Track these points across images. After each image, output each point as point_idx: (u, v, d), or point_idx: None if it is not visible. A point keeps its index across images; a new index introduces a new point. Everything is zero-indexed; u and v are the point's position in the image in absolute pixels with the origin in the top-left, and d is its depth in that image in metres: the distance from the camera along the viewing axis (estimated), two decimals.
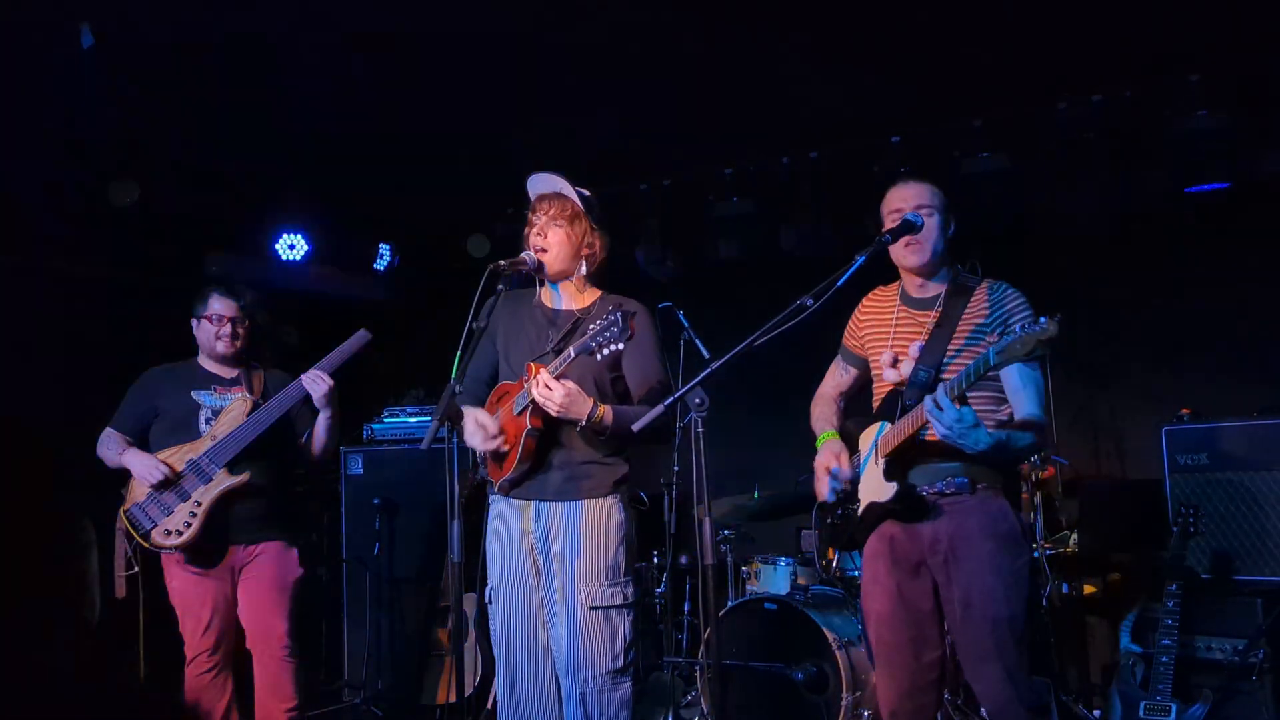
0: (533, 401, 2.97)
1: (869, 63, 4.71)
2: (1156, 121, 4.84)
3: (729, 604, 4.69)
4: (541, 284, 3.25)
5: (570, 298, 3.23)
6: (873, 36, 4.47)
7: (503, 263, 3.08)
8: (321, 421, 4.04)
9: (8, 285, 5.15)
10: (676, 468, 5.10)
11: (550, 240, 3.14)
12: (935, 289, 3.09)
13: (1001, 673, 2.85)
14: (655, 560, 5.37)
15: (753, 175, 5.77)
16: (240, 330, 4.04)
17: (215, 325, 4.01)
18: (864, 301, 3.27)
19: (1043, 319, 2.53)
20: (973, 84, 4.93)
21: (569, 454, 3.10)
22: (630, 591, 3.10)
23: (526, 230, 3.20)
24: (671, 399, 2.82)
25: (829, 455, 3.13)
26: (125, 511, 3.86)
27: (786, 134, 5.54)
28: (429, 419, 4.98)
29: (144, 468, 3.84)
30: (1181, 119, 4.73)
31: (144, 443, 3.98)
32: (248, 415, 3.91)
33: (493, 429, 3.07)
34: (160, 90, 4.69)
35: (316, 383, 3.89)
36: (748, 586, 5.00)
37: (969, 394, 2.84)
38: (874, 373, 3.19)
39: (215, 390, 4.02)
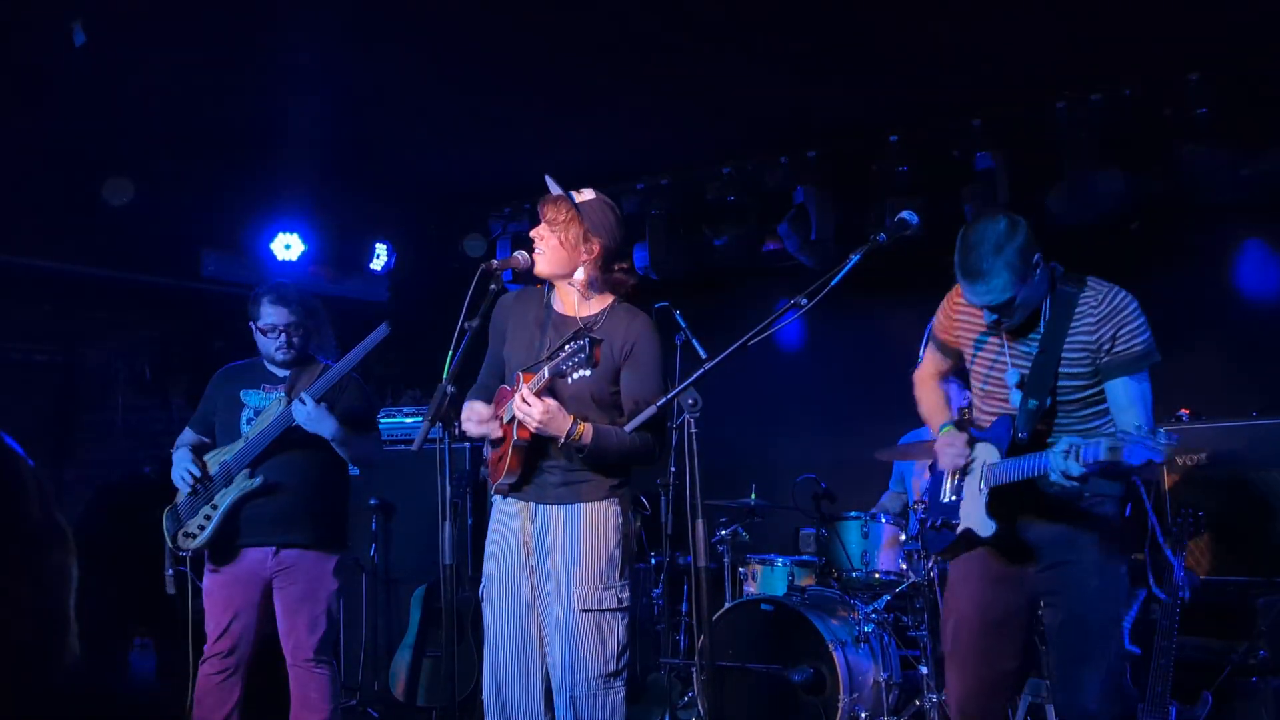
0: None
1: (869, 62, 4.69)
2: (1156, 121, 4.82)
3: (726, 605, 4.67)
4: (548, 284, 3.24)
5: (574, 303, 3.17)
6: (872, 37, 4.46)
7: (494, 262, 3.09)
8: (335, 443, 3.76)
9: (5, 285, 5.14)
10: (673, 468, 5.08)
11: (541, 244, 3.12)
12: (1034, 303, 2.85)
13: (1103, 675, 2.82)
14: (652, 561, 5.35)
15: (752, 175, 5.76)
16: (296, 336, 3.86)
17: (270, 336, 3.84)
18: (956, 297, 3.05)
19: (1161, 435, 2.45)
20: (972, 83, 4.91)
21: (566, 458, 3.07)
22: (625, 595, 3.06)
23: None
24: (664, 399, 2.82)
25: (956, 453, 2.98)
26: (164, 513, 3.86)
27: (786, 134, 5.53)
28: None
29: (174, 471, 3.84)
30: (1182, 119, 4.71)
31: (214, 442, 3.94)
32: (279, 416, 3.77)
33: (484, 414, 3.09)
34: (157, 89, 4.68)
35: (297, 408, 3.66)
36: (745, 587, 4.98)
37: (1072, 398, 2.84)
38: (971, 365, 3.06)
39: (263, 389, 3.91)
